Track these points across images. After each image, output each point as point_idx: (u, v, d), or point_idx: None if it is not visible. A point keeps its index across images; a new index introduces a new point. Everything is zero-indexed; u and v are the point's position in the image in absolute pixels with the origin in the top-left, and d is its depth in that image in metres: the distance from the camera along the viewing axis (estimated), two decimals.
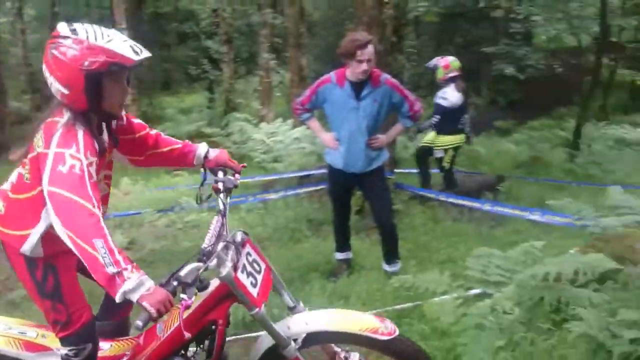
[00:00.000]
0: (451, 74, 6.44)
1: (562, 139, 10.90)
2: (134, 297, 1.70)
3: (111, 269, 1.68)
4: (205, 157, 2.44)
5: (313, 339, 2.13)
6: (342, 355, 2.19)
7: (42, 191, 1.87)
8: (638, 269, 3.06)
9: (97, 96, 1.95)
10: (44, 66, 1.97)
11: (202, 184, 2.38)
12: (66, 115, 1.97)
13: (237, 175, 2.40)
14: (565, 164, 9.02)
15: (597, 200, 4.37)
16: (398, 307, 3.64)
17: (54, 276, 2.16)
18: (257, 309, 2.02)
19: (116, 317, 2.54)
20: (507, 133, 12.61)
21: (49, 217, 1.82)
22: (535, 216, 5.27)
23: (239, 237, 2.12)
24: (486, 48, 14.10)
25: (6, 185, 2.19)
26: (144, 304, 1.69)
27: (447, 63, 6.48)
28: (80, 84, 1.90)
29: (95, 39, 1.91)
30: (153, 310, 1.69)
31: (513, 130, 12.87)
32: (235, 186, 2.31)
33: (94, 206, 1.77)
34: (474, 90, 15.91)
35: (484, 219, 5.85)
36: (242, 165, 2.49)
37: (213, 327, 2.13)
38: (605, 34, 10.67)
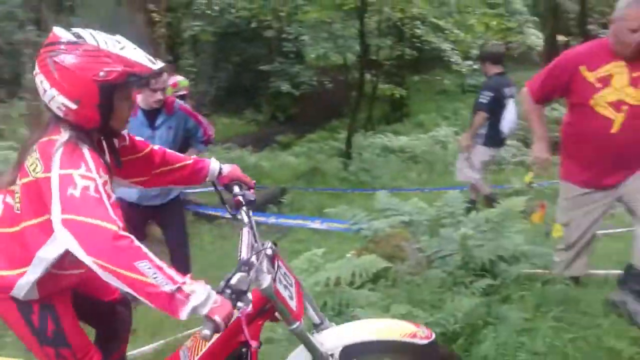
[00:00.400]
0: (179, 93, 6.51)
1: (336, 150, 11.82)
2: (204, 311, 1.52)
3: (169, 287, 1.49)
4: (219, 172, 2.25)
5: (351, 352, 1.97)
6: None
7: (39, 223, 1.68)
8: (404, 266, 3.38)
9: (109, 112, 1.70)
10: (39, 77, 1.67)
11: (223, 202, 2.24)
12: (65, 133, 1.69)
13: (252, 190, 2.25)
14: (341, 173, 9.76)
15: (369, 205, 4.73)
16: (190, 331, 3.49)
17: (53, 319, 1.85)
18: (297, 323, 1.85)
19: (112, 358, 2.18)
20: (287, 146, 13.25)
21: (61, 249, 1.63)
22: (316, 224, 5.55)
23: (269, 249, 1.94)
24: (263, 66, 14.64)
25: None
26: (216, 318, 1.51)
27: (175, 82, 6.52)
28: (94, 98, 1.64)
29: (107, 45, 1.65)
30: (223, 324, 1.53)
31: (293, 143, 13.57)
32: (254, 200, 2.19)
33: (119, 228, 1.51)
34: (255, 107, 16.47)
35: (270, 232, 5.98)
36: (253, 181, 2.33)
37: (244, 349, 1.90)
38: (365, 52, 11.91)
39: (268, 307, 1.88)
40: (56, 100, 1.67)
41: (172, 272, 1.53)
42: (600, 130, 2.72)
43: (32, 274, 1.77)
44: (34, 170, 1.68)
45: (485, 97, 5.28)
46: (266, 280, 1.79)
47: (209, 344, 1.89)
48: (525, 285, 3.02)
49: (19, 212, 1.76)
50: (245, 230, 1.99)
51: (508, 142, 6.83)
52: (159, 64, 1.76)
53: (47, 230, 1.63)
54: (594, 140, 2.77)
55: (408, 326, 2.02)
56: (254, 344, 1.80)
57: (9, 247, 1.80)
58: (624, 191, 2.81)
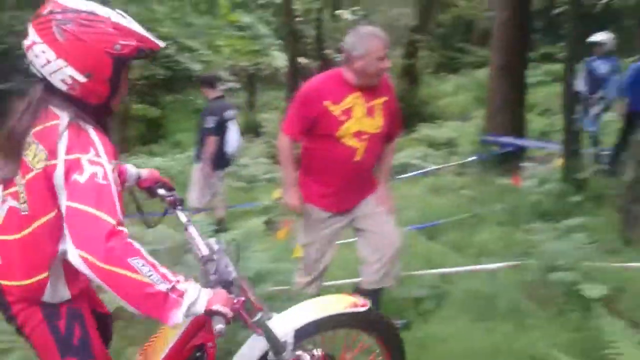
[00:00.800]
0: None
1: None
2: (201, 307, 1.46)
3: (163, 286, 1.40)
4: (139, 177, 2.19)
5: (302, 334, 1.93)
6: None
7: (53, 218, 1.53)
8: None
9: (117, 87, 1.61)
10: (39, 47, 1.52)
11: (139, 209, 2.17)
12: (65, 115, 1.55)
13: (173, 192, 2.21)
14: None
15: None
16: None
17: (80, 325, 1.69)
18: (260, 314, 1.73)
19: None
20: None
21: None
22: None
23: (219, 243, 1.86)
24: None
25: None
26: (216, 307, 1.46)
27: None
28: (107, 71, 1.55)
29: (118, 18, 1.57)
30: (229, 311, 1.48)
31: None
32: (183, 200, 2.21)
33: (119, 222, 1.42)
34: None
35: None
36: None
37: (198, 354, 1.83)
38: None
39: None
40: (63, 72, 1.53)
41: (164, 269, 1.44)
42: (345, 158, 2.86)
43: (56, 275, 1.61)
44: (38, 161, 1.53)
45: (210, 122, 5.53)
46: (232, 274, 1.70)
47: (163, 353, 1.79)
48: (270, 304, 3.17)
49: (26, 212, 1.57)
50: (191, 228, 1.98)
51: (260, 159, 7.22)
52: (160, 42, 1.67)
53: (61, 224, 1.47)
54: (339, 168, 2.90)
55: (347, 298, 2.11)
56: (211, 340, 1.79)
57: (21, 255, 1.60)
58: (357, 214, 3.02)
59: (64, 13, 1.52)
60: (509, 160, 7.48)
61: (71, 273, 1.62)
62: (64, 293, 1.67)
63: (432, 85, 16.72)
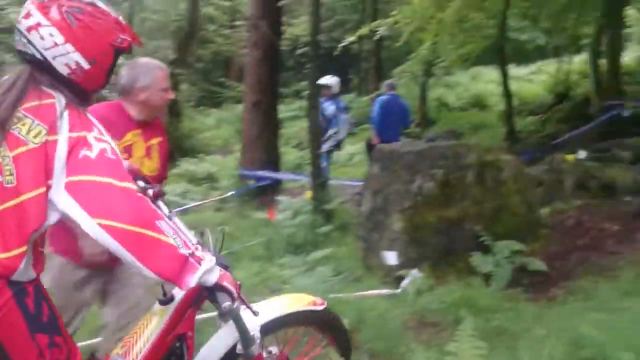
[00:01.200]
0: None
1: None
2: (214, 278, 1.57)
3: (185, 250, 1.50)
4: None
5: (268, 329, 1.99)
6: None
7: (43, 193, 1.53)
8: None
9: (109, 77, 1.74)
10: (46, 30, 1.58)
11: None
12: (60, 97, 1.62)
13: (152, 184, 2.14)
14: None
15: None
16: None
17: (46, 302, 1.66)
18: (236, 303, 1.66)
19: None
20: None
21: (52, 220, 1.55)
22: None
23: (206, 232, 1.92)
24: None
25: None
26: (225, 284, 1.59)
27: None
28: (108, 61, 1.69)
29: (115, 14, 1.70)
30: (234, 290, 1.61)
31: None
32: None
33: (138, 189, 1.56)
34: None
35: None
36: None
37: (178, 344, 1.85)
38: None
39: (204, 294, 1.72)
40: (69, 56, 1.62)
41: (184, 235, 1.57)
42: None
43: (29, 251, 1.58)
44: (35, 136, 1.56)
45: None
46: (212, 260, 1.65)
47: (148, 344, 1.79)
48: None
49: (11, 185, 1.55)
50: (175, 218, 1.86)
51: None
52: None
53: (47, 200, 1.53)
54: None
55: (306, 297, 2.23)
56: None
57: (6, 225, 1.54)
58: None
59: (75, 1, 1.62)
60: (265, 194, 7.65)
61: (37, 252, 1.65)
62: (31, 272, 1.64)
63: (194, 119, 16.65)
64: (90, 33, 1.62)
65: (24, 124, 1.58)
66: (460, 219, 4.27)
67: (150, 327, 1.83)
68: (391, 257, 4.16)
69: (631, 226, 4.57)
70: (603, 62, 10.90)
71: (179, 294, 1.83)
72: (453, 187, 4.35)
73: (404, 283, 3.97)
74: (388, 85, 8.49)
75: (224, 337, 1.97)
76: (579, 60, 23.21)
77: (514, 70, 24.79)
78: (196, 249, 1.56)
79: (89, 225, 1.46)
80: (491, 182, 4.48)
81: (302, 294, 2.33)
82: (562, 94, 15.00)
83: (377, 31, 10.85)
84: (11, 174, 1.56)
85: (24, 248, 1.57)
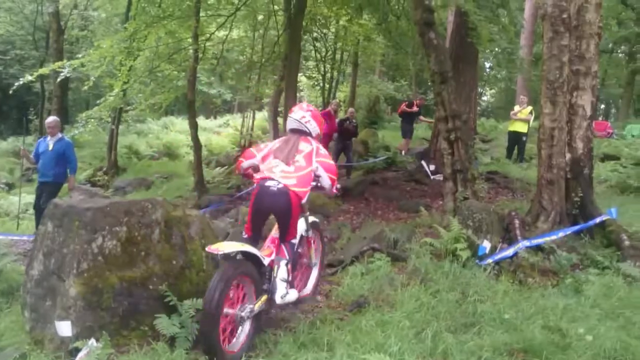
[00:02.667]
0: None
1: None
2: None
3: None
4: None
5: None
6: None
7: (312, 169, 4.29)
8: None
9: None
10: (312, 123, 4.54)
11: None
12: (313, 141, 4.50)
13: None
14: None
15: None
16: None
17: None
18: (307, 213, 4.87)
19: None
20: None
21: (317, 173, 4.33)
22: None
23: None
24: None
25: (291, 169, 4.22)
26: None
27: None
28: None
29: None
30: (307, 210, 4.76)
31: None
32: None
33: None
34: None
35: None
36: None
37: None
38: None
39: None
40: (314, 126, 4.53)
41: None
42: None
43: (309, 189, 4.33)
44: (306, 149, 4.31)
45: None
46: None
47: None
48: None
49: (304, 163, 4.25)
50: None
51: None
52: None
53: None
54: None
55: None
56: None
57: (304, 178, 4.22)
58: None
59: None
60: None
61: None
62: (305, 200, 4.49)
63: None
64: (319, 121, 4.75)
65: (302, 144, 4.38)
66: (144, 278, 4.06)
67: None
68: (65, 328, 3.66)
69: None
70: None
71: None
72: (138, 244, 4.13)
73: (80, 356, 3.53)
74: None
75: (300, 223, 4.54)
76: (261, 117, 25.63)
77: (203, 122, 25.95)
78: None
79: (327, 178, 4.34)
80: (177, 239, 4.42)
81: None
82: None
83: (61, 72, 10.00)
84: (304, 161, 4.28)
85: (307, 188, 4.26)
